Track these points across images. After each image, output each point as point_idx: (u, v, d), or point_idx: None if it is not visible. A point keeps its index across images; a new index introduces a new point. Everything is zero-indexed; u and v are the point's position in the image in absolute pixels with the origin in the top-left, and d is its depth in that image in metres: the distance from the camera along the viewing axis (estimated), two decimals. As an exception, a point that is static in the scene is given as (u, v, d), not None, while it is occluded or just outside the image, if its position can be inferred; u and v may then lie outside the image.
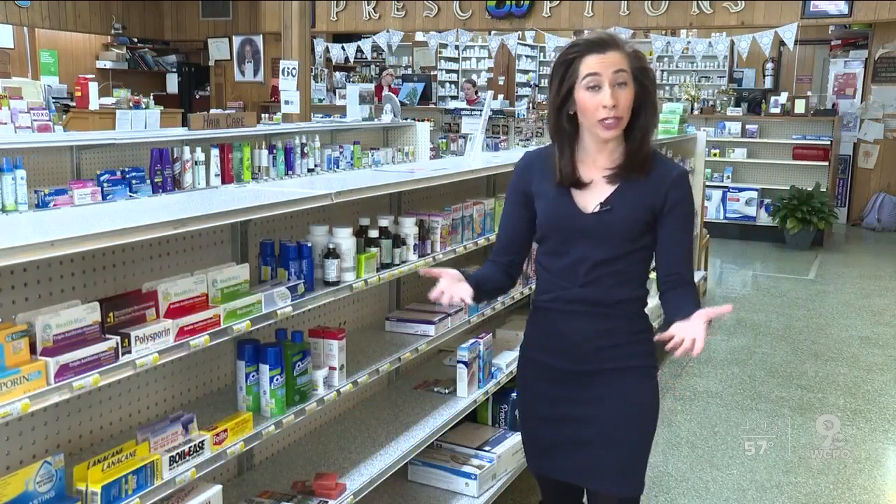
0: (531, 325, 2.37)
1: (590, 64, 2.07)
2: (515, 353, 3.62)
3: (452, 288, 2.16)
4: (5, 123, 6.46)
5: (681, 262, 2.19)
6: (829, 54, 12.72)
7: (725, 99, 11.35)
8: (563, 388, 2.24)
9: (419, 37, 14.66)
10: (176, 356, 2.00)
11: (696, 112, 10.82)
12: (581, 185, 2.17)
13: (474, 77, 16.28)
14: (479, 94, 11.49)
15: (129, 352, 1.88)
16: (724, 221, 10.50)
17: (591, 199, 2.17)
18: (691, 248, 2.23)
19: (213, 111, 9.51)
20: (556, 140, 2.20)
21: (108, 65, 13.37)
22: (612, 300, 2.17)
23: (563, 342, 2.22)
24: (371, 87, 8.55)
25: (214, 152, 5.67)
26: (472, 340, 3.32)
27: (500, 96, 12.97)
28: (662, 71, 16.37)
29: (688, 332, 2.01)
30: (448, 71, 17.39)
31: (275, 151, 6.23)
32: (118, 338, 1.86)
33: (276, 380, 2.33)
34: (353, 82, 11.77)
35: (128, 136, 5.71)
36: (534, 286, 3.94)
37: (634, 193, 2.14)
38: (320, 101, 11.70)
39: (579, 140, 2.18)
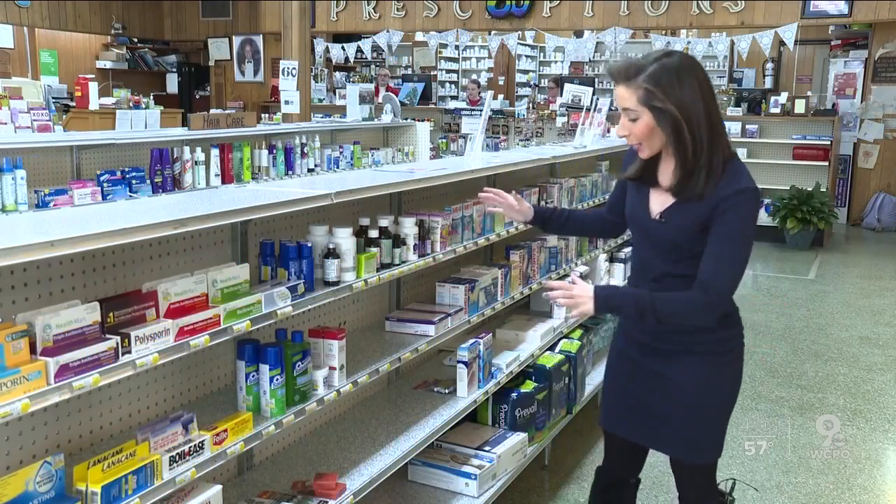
0: None
1: (615, 92, 2.25)
2: (515, 353, 3.65)
3: (502, 201, 2.67)
4: (5, 123, 6.46)
5: (709, 270, 2.23)
6: (829, 54, 12.73)
7: (725, 99, 11.34)
8: (646, 359, 2.42)
9: (419, 37, 14.67)
10: (176, 356, 2.00)
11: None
12: (652, 183, 2.32)
13: (474, 77, 16.29)
14: (482, 94, 11.50)
15: (129, 352, 1.88)
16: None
17: (658, 204, 2.32)
18: (729, 260, 2.23)
19: (213, 111, 9.52)
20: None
21: (108, 65, 13.37)
22: None
23: (636, 323, 2.42)
24: (371, 87, 8.55)
25: (214, 152, 5.67)
26: (472, 340, 3.32)
27: (500, 96, 12.98)
28: (662, 71, 16.35)
29: (576, 297, 2.27)
30: (448, 71, 17.40)
31: (275, 151, 6.23)
32: (118, 338, 1.86)
33: (276, 380, 2.33)
34: (353, 82, 11.77)
35: (128, 136, 5.72)
36: (534, 286, 3.95)
37: (690, 208, 2.22)
38: (320, 101, 11.70)
39: None
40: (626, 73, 2.17)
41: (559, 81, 11.31)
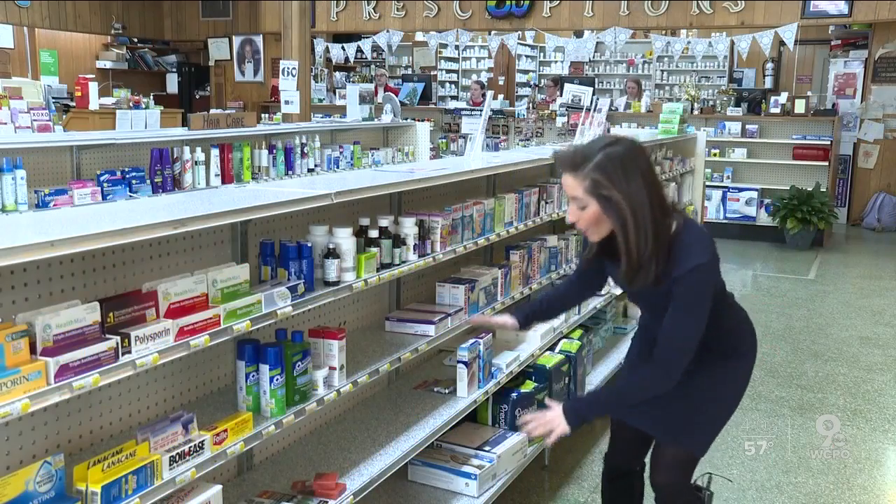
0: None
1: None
2: (515, 353, 3.64)
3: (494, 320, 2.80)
4: (5, 123, 6.46)
5: (662, 340, 2.32)
6: (829, 54, 12.72)
7: (725, 99, 11.35)
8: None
9: (419, 37, 14.67)
10: (176, 356, 2.00)
11: (696, 112, 10.82)
12: (612, 257, 2.36)
13: (475, 77, 16.29)
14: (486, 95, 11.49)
15: (129, 352, 1.88)
16: (724, 221, 10.50)
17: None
18: (681, 331, 2.29)
19: (213, 111, 9.52)
20: None
21: (108, 65, 13.37)
22: None
23: (648, 339, 2.52)
24: (371, 86, 8.55)
25: (214, 152, 5.67)
26: (472, 340, 3.32)
27: (500, 96, 12.97)
28: (662, 71, 16.38)
29: (550, 424, 2.38)
30: (448, 71, 17.39)
31: (275, 151, 6.23)
32: (118, 338, 1.86)
33: (276, 380, 2.33)
34: (353, 82, 11.77)
35: (128, 136, 5.71)
36: (534, 286, 3.95)
37: (653, 283, 2.30)
38: (320, 101, 11.70)
39: None
40: (572, 162, 2.22)
41: (557, 81, 11.32)
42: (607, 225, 2.25)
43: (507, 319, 2.76)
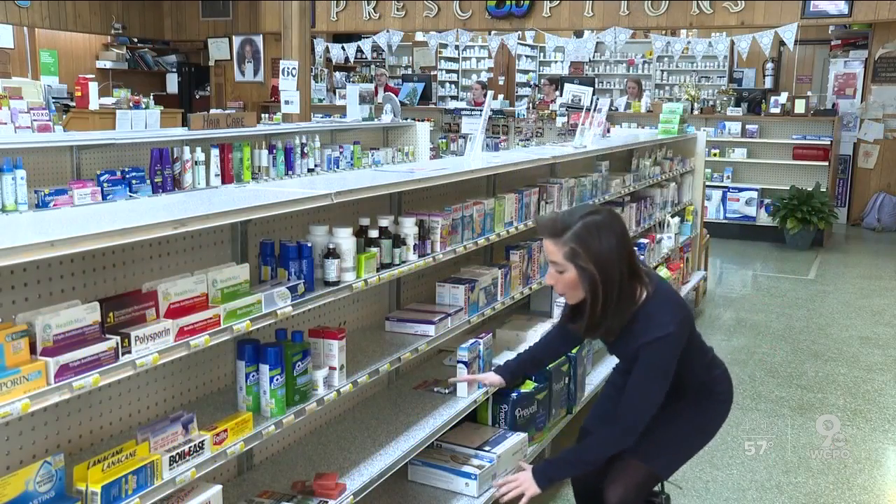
0: None
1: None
2: (515, 354, 3.64)
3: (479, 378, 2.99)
4: (5, 123, 6.46)
5: (625, 402, 2.50)
6: (829, 54, 12.72)
7: (725, 99, 11.35)
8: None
9: (419, 37, 14.67)
10: (176, 356, 2.00)
11: (696, 112, 10.82)
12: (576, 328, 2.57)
13: (475, 76, 16.29)
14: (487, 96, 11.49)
15: (129, 352, 1.88)
16: (724, 221, 10.50)
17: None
18: (642, 396, 2.46)
19: (213, 111, 9.52)
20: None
21: (108, 65, 13.37)
22: (671, 398, 2.53)
23: None
24: (371, 86, 8.55)
25: (214, 152, 5.66)
26: (472, 340, 3.32)
27: (500, 96, 12.97)
28: (662, 71, 16.38)
29: (523, 486, 2.55)
30: (448, 71, 17.39)
31: (275, 151, 6.23)
32: (118, 338, 1.86)
33: (276, 380, 2.33)
34: (353, 82, 11.77)
35: (128, 136, 5.71)
36: (534, 286, 3.95)
37: (624, 346, 2.51)
38: (320, 101, 11.69)
39: None
40: (552, 229, 2.37)
41: (553, 81, 11.32)
42: (580, 291, 2.40)
43: (493, 378, 2.98)
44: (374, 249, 2.72)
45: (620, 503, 2.59)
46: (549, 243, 2.37)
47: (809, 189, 9.81)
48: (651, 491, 2.77)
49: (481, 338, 3.37)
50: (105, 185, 4.89)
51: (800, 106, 10.45)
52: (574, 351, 4.06)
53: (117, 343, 1.85)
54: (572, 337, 2.85)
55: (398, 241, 2.88)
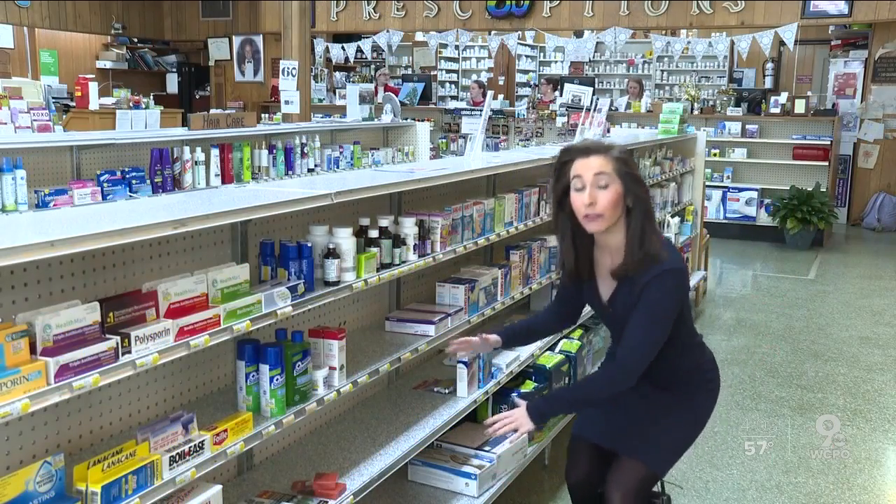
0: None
1: (576, 167, 2.37)
2: (515, 353, 3.64)
3: (466, 345, 2.74)
4: (5, 123, 6.46)
5: (625, 343, 2.43)
6: (829, 54, 12.72)
7: (725, 99, 11.35)
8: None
9: (419, 37, 14.67)
10: (176, 356, 2.00)
11: (696, 112, 10.82)
12: (586, 277, 2.51)
13: (475, 76, 16.28)
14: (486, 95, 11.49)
15: (129, 352, 1.88)
16: (724, 221, 10.50)
17: (605, 290, 2.51)
18: (644, 336, 2.39)
19: (213, 111, 9.52)
20: (558, 233, 2.52)
21: (108, 65, 13.37)
22: (659, 369, 2.47)
23: None
24: (371, 86, 8.56)
25: (214, 152, 5.67)
26: (472, 340, 3.32)
27: (500, 96, 12.97)
28: (662, 71, 16.38)
29: (516, 422, 2.51)
30: (448, 71, 17.39)
31: (275, 151, 6.23)
32: (118, 338, 1.86)
33: (276, 380, 2.33)
34: (353, 82, 11.77)
35: (128, 136, 5.71)
36: (534, 286, 3.95)
37: (628, 292, 2.41)
38: (320, 101, 11.69)
39: (595, 235, 2.45)
40: (598, 146, 2.39)
41: (552, 81, 11.32)
42: (618, 211, 2.35)
43: (492, 336, 2.80)
44: (374, 249, 2.72)
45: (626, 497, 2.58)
46: (597, 158, 2.34)
47: (809, 189, 9.81)
48: (651, 491, 2.76)
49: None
50: (105, 185, 4.89)
51: (800, 106, 10.45)
52: (574, 350, 4.06)
53: (117, 343, 1.85)
54: (569, 316, 2.81)
55: (398, 241, 2.88)
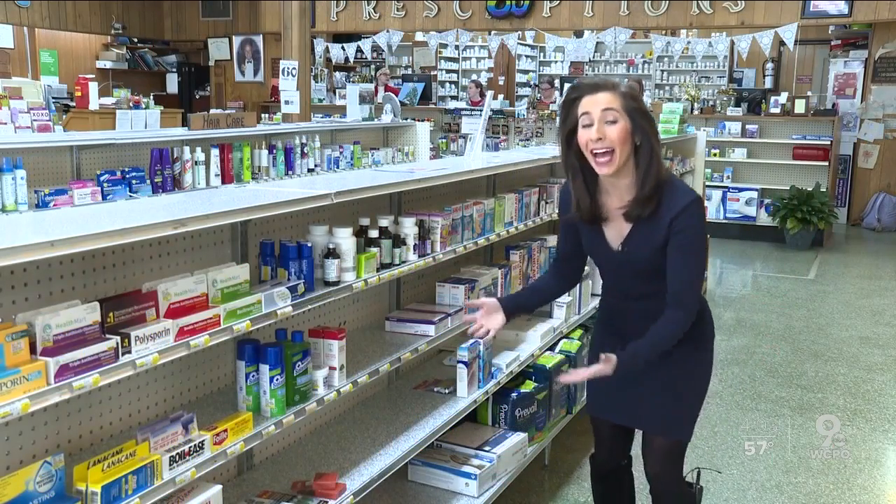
0: (601, 310, 2.75)
1: (584, 104, 2.33)
2: (515, 353, 3.64)
3: (487, 320, 2.59)
4: (5, 123, 6.47)
5: (678, 283, 2.39)
6: (829, 54, 12.72)
7: (725, 99, 11.35)
8: (623, 343, 2.51)
9: (419, 37, 14.67)
10: (176, 356, 2.00)
11: (696, 112, 10.82)
12: (600, 219, 2.44)
13: (475, 77, 16.28)
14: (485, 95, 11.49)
15: (129, 352, 1.88)
16: (724, 221, 10.50)
17: (615, 235, 2.45)
18: (694, 270, 2.43)
19: (213, 111, 9.52)
20: (568, 174, 2.46)
21: (108, 65, 13.37)
22: (659, 308, 2.41)
23: (623, 327, 2.55)
24: (371, 86, 8.56)
25: (214, 152, 5.67)
26: (472, 340, 3.32)
27: (500, 96, 12.97)
28: (662, 71, 16.39)
29: (598, 371, 2.40)
30: (448, 71, 17.39)
31: (275, 151, 6.23)
32: (118, 338, 1.86)
33: (276, 380, 2.33)
34: (353, 82, 11.77)
35: (128, 136, 5.71)
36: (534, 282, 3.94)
37: (647, 231, 2.37)
38: (320, 101, 11.70)
39: (599, 177, 2.41)
40: (605, 83, 2.35)
41: (552, 82, 11.32)
42: (627, 148, 2.32)
43: (498, 322, 2.62)
44: (374, 249, 2.72)
45: (663, 476, 2.63)
46: (605, 95, 2.31)
47: (809, 189, 9.81)
48: (687, 481, 2.81)
49: (481, 338, 3.36)
50: (105, 185, 4.89)
51: (800, 106, 10.45)
52: (574, 350, 4.06)
53: (117, 343, 1.85)
54: (570, 275, 2.75)
55: (398, 241, 2.88)
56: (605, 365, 2.35)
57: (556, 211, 2.65)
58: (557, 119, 2.62)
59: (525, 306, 2.79)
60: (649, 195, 2.33)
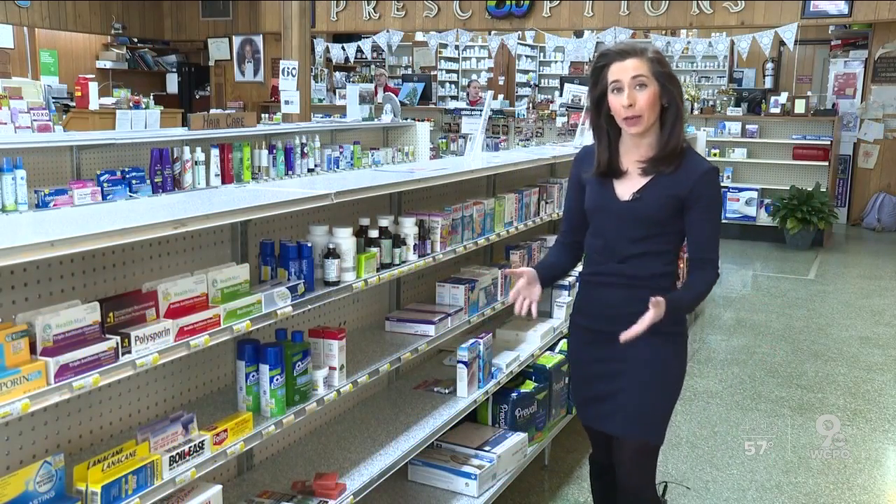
0: (578, 296, 2.69)
1: (613, 71, 2.40)
2: (515, 353, 3.64)
3: (528, 291, 2.54)
4: (5, 123, 6.47)
5: (704, 246, 2.48)
6: (829, 54, 12.72)
7: (725, 99, 11.35)
8: (598, 349, 2.55)
9: (419, 37, 14.67)
10: (176, 356, 2.00)
11: (696, 112, 10.82)
12: (617, 174, 2.49)
13: (475, 76, 16.29)
14: (483, 94, 11.49)
15: (129, 352, 1.88)
16: (724, 221, 10.45)
17: (627, 189, 2.48)
18: (716, 232, 2.53)
19: (213, 111, 9.53)
20: (596, 136, 2.53)
21: (108, 65, 13.37)
22: (644, 274, 2.46)
23: (601, 308, 2.54)
24: (371, 86, 8.56)
25: (214, 152, 5.67)
26: (472, 340, 3.32)
27: (500, 96, 12.98)
28: (662, 71, 16.35)
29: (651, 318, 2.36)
30: (448, 71, 17.39)
31: (275, 151, 6.23)
32: (118, 338, 1.86)
33: (276, 380, 2.33)
34: (353, 82, 11.77)
35: (128, 136, 5.71)
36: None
37: (664, 185, 2.43)
38: (320, 101, 11.70)
39: (622, 136, 2.49)
40: (633, 48, 2.42)
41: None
42: (655, 111, 2.40)
43: (536, 294, 2.57)
44: (374, 249, 2.73)
45: (633, 486, 2.60)
46: (634, 61, 2.38)
47: (809, 189, 9.81)
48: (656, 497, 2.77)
49: (481, 338, 3.37)
50: (105, 185, 4.89)
51: (800, 106, 10.45)
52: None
53: (117, 343, 1.85)
54: (576, 253, 2.72)
55: (398, 241, 2.88)
56: (657, 309, 2.33)
57: (571, 170, 2.68)
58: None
59: (555, 277, 2.79)
60: (671, 152, 2.42)
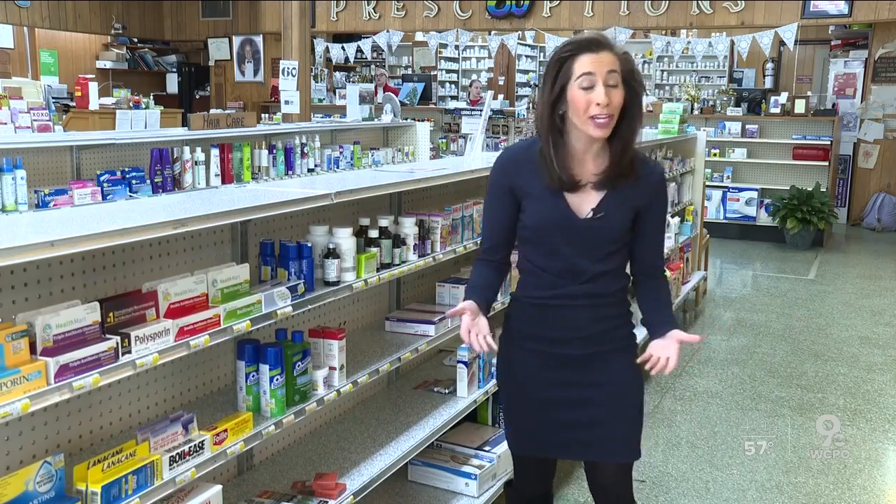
0: (525, 318, 2.40)
1: (584, 63, 2.10)
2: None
3: (477, 327, 2.31)
4: (5, 123, 6.47)
5: (658, 255, 2.39)
6: (829, 54, 12.72)
7: (725, 99, 11.35)
8: (556, 373, 2.34)
9: (419, 37, 14.66)
10: (176, 356, 2.00)
11: (696, 112, 10.82)
12: (574, 188, 2.21)
13: (475, 77, 16.29)
14: (482, 94, 11.50)
15: (129, 352, 1.88)
16: (724, 221, 10.50)
17: (583, 204, 2.22)
18: (663, 243, 2.44)
19: (213, 111, 9.53)
20: (549, 139, 2.19)
21: (108, 65, 13.37)
22: (609, 291, 2.30)
23: (565, 332, 2.31)
24: (371, 86, 8.56)
25: (214, 152, 5.67)
26: (472, 340, 3.32)
27: (500, 96, 12.97)
28: (662, 71, 16.38)
29: (663, 352, 2.27)
30: (448, 71, 17.39)
31: (275, 151, 6.23)
32: (118, 338, 1.86)
33: (276, 380, 2.33)
34: (353, 82, 11.77)
35: (128, 136, 5.71)
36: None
37: (623, 198, 2.23)
38: (320, 101, 11.70)
39: (566, 142, 2.20)
40: (608, 41, 2.15)
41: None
42: (617, 115, 2.14)
43: (486, 327, 2.36)
44: (374, 249, 2.73)
45: (626, 500, 2.47)
46: (607, 55, 2.11)
47: (809, 189, 9.81)
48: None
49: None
50: (105, 185, 4.89)
51: (800, 106, 10.45)
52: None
53: (117, 343, 1.85)
54: (503, 270, 2.46)
55: (398, 241, 2.88)
56: (678, 341, 2.26)
57: (494, 178, 2.32)
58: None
59: (491, 303, 2.48)
60: (630, 162, 2.19)
